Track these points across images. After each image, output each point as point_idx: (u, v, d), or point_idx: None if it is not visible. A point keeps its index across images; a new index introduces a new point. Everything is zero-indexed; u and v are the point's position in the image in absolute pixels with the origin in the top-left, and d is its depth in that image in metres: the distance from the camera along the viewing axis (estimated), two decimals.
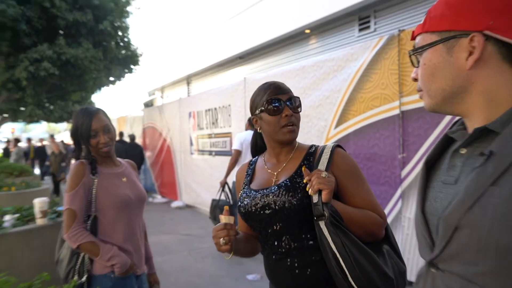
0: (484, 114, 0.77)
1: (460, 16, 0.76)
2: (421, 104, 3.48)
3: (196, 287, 4.14)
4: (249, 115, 6.06)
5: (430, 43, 0.80)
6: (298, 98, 1.44)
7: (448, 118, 3.27)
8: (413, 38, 0.88)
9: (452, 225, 0.73)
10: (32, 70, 8.57)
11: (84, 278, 1.84)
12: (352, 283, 1.20)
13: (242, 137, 5.25)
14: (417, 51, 0.84)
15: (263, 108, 1.39)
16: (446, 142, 0.89)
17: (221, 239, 1.23)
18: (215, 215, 5.23)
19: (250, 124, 5.31)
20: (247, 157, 5.18)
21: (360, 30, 7.29)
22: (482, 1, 0.75)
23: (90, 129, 1.91)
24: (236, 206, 1.54)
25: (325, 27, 8.02)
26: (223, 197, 5.38)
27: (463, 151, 0.80)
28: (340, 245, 1.20)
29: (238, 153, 5.18)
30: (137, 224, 2.04)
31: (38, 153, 13.33)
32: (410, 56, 0.87)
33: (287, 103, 1.38)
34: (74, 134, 1.96)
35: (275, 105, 1.37)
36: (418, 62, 0.85)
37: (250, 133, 5.20)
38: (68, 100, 12.78)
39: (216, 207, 5.29)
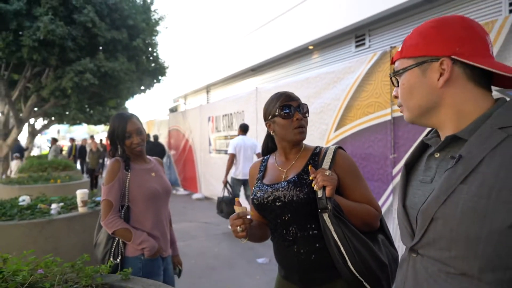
0: (453, 124, 0.80)
1: (431, 44, 0.79)
2: None
3: (213, 267, 4.14)
4: (260, 120, 6.09)
5: (406, 67, 0.83)
6: (306, 105, 1.45)
7: None
8: (392, 63, 0.91)
9: (429, 217, 0.75)
10: (76, 80, 8.68)
11: (118, 260, 1.85)
12: (352, 268, 1.20)
13: (235, 143, 5.40)
14: (397, 73, 0.87)
15: (276, 113, 1.39)
16: (422, 148, 0.92)
17: (238, 227, 1.23)
18: (221, 209, 5.29)
19: (242, 130, 5.60)
20: (240, 157, 5.35)
21: (357, 46, 7.22)
22: (449, 31, 0.79)
23: (125, 131, 1.93)
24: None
25: (326, 44, 7.98)
26: (226, 194, 5.45)
27: (437, 155, 0.83)
28: (341, 235, 1.20)
29: (233, 156, 5.33)
30: (164, 213, 2.04)
31: (79, 151, 13.39)
32: (391, 78, 0.90)
33: (297, 109, 1.39)
34: (111, 135, 1.97)
35: (287, 111, 1.38)
36: (398, 82, 0.88)
37: (242, 137, 5.50)
38: (106, 106, 12.91)
39: (221, 202, 5.32)
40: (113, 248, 1.88)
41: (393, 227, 3.58)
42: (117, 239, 1.88)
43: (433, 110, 0.82)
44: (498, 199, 0.65)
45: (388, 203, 3.68)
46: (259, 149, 5.40)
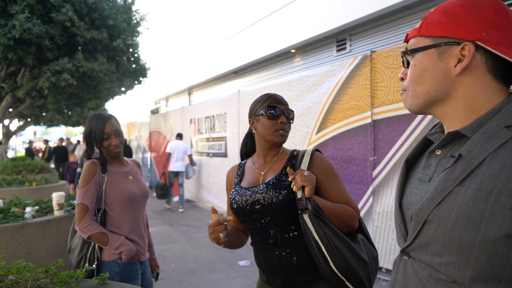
0: (460, 118, 0.73)
1: (455, 25, 0.71)
2: (389, 114, 3.50)
3: (194, 271, 4.08)
4: (242, 122, 6.08)
5: (424, 46, 0.74)
6: (293, 111, 1.45)
7: (412, 127, 3.29)
8: (406, 40, 0.81)
9: (422, 219, 0.71)
10: (53, 81, 8.44)
11: (94, 265, 1.79)
12: (333, 267, 1.20)
13: (170, 145, 7.54)
14: (411, 52, 0.77)
15: (262, 112, 1.39)
16: (425, 144, 0.85)
17: (221, 233, 1.21)
18: (157, 191, 7.55)
19: (178, 136, 7.73)
20: (174, 155, 7.37)
21: (338, 50, 7.32)
22: (477, 13, 0.70)
23: (104, 132, 1.87)
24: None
25: (308, 48, 8.05)
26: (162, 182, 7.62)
27: (438, 152, 0.77)
28: (322, 235, 1.20)
29: (169, 154, 7.44)
30: (141, 216, 2.00)
31: (59, 152, 12.40)
32: (402, 56, 0.81)
33: (284, 112, 1.40)
34: (88, 136, 1.90)
35: (273, 112, 1.38)
36: (408, 63, 0.79)
37: (176, 141, 7.58)
38: (84, 107, 12.59)
39: (157, 187, 7.58)
40: (88, 253, 1.82)
41: (373, 228, 3.63)
42: (92, 244, 1.82)
43: (440, 100, 0.75)
44: (495, 204, 0.60)
45: (368, 205, 3.73)
46: (189, 151, 7.74)
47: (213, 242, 1.25)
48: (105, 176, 1.87)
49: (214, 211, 1.26)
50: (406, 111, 3.27)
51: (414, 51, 0.76)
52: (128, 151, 9.52)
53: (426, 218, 0.70)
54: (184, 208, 7.51)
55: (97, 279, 1.43)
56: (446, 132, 0.77)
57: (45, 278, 1.36)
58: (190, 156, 7.59)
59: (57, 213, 2.84)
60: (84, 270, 1.49)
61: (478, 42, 0.68)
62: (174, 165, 7.41)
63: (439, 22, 0.72)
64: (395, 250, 3.37)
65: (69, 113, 13.09)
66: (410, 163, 0.86)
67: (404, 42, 0.82)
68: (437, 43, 0.72)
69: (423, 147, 0.85)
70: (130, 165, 2.06)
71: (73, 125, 14.82)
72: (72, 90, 9.66)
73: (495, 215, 0.60)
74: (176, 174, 7.50)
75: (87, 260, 1.81)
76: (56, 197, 2.84)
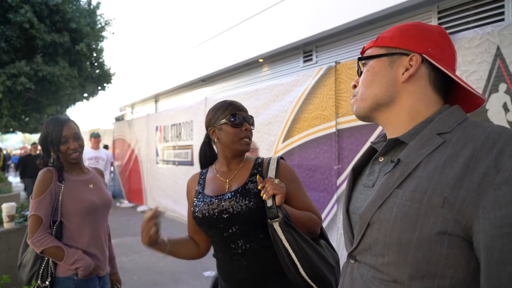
0: (401, 125, 0.79)
1: (407, 38, 0.79)
2: (353, 124, 3.59)
3: (158, 283, 3.94)
4: None
5: (378, 54, 0.82)
6: (253, 117, 1.44)
7: (374, 136, 3.38)
8: (363, 52, 0.89)
9: (366, 221, 0.74)
10: (9, 84, 7.94)
11: (47, 282, 1.65)
12: (303, 273, 1.19)
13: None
14: (367, 59, 0.85)
15: (225, 121, 1.36)
16: (370, 152, 0.90)
17: (151, 230, 1.23)
18: None
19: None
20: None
21: (304, 61, 7.47)
22: (426, 32, 0.80)
23: (61, 135, 1.75)
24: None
25: (276, 58, 8.15)
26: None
27: (381, 159, 0.82)
28: (292, 241, 1.19)
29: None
30: (102, 228, 1.88)
31: (26, 164, 10.93)
32: (358, 64, 0.88)
33: (246, 119, 1.38)
34: (44, 140, 1.77)
35: (238, 119, 1.35)
36: (361, 72, 0.86)
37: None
38: (43, 113, 11.94)
39: None
40: (41, 269, 1.68)
41: (337, 236, 3.67)
42: (46, 259, 1.69)
43: (386, 105, 0.81)
44: (429, 204, 0.65)
45: (332, 212, 3.77)
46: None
47: (144, 243, 1.25)
48: (62, 185, 1.74)
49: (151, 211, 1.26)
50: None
51: (370, 58, 0.84)
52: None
53: (369, 221, 0.73)
54: None
55: None
56: (388, 139, 0.83)
57: None
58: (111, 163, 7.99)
59: (6, 225, 2.64)
60: (33, 286, 1.37)
61: (425, 55, 0.77)
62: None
63: (394, 35, 0.81)
64: None
65: (26, 119, 12.35)
66: (357, 171, 0.91)
67: (361, 54, 0.90)
68: (390, 52, 0.81)
69: (369, 155, 0.90)
70: (91, 173, 1.94)
71: (31, 132, 13.99)
72: (30, 95, 9.14)
73: (429, 214, 0.65)
74: None
75: (40, 276, 1.67)
76: (6, 208, 2.64)
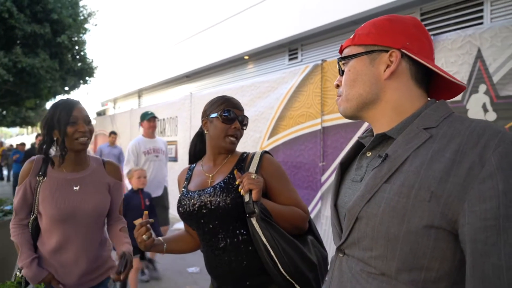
0: (387, 121, 0.80)
1: (383, 35, 0.79)
2: (338, 121, 3.63)
3: (141, 280, 3.89)
4: (194, 126, 5.96)
5: (357, 53, 0.82)
6: (247, 118, 1.43)
7: (358, 134, 3.43)
8: (341, 51, 0.88)
9: (354, 216, 0.75)
10: None
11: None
12: (281, 270, 1.19)
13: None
14: (345, 58, 0.84)
15: (217, 114, 1.36)
16: (358, 147, 0.91)
17: (144, 235, 1.25)
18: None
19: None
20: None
21: (290, 59, 7.50)
22: (401, 26, 0.79)
23: (71, 115, 1.53)
24: None
25: (261, 55, 8.15)
26: None
27: (369, 154, 0.83)
28: (270, 238, 1.19)
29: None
30: (81, 237, 1.59)
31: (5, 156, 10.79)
32: (338, 63, 0.88)
33: (239, 118, 1.38)
34: (49, 120, 1.55)
35: (229, 115, 1.35)
36: (343, 71, 0.86)
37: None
38: (22, 106, 11.59)
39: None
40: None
41: (321, 232, 3.72)
42: None
43: (371, 103, 0.81)
44: (416, 198, 0.66)
45: (316, 209, 3.82)
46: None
47: (141, 248, 1.28)
48: (40, 181, 1.54)
49: (145, 217, 1.29)
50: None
51: (349, 57, 0.83)
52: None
53: (358, 215, 0.74)
54: None
55: None
56: (375, 134, 0.83)
57: None
58: None
59: None
60: (16, 280, 1.33)
61: (403, 50, 0.77)
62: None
63: (370, 32, 0.81)
64: None
65: (4, 112, 11.96)
66: (345, 166, 0.91)
67: (339, 52, 0.90)
68: (369, 50, 0.80)
69: (356, 150, 0.91)
70: (90, 171, 1.66)
71: (8, 126, 13.58)
72: (8, 87, 8.85)
73: (416, 208, 0.66)
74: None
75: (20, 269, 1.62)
76: None
